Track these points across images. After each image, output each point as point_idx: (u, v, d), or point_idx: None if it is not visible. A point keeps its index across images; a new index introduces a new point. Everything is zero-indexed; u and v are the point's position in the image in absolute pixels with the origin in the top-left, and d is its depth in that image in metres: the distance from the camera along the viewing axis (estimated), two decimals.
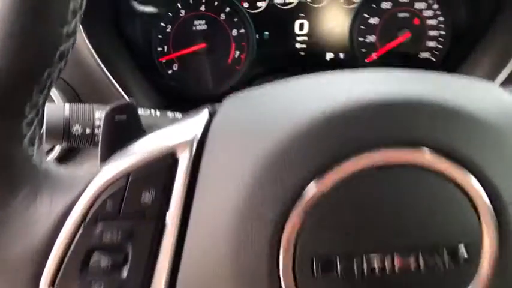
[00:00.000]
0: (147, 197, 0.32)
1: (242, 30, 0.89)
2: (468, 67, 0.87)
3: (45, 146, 0.70)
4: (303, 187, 0.28)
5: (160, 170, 0.32)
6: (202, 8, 0.87)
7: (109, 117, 0.43)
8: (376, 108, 0.29)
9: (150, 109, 0.60)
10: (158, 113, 0.60)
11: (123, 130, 0.45)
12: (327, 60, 0.93)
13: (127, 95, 0.74)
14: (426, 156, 0.29)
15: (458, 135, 0.29)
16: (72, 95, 0.73)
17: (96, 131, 0.54)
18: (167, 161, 0.32)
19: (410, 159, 0.29)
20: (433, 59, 0.92)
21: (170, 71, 0.90)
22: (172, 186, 0.32)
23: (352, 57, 0.93)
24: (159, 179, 0.32)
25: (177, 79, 0.90)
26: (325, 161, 0.29)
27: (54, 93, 0.71)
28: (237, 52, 0.90)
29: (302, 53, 0.92)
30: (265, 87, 0.38)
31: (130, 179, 0.32)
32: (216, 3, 0.87)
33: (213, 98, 0.90)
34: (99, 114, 0.56)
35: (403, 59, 0.92)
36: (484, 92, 0.34)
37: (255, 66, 0.92)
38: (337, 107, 0.30)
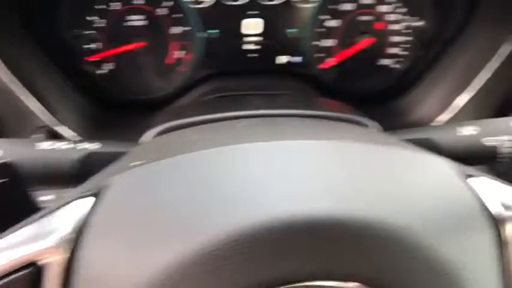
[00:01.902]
0: None
1: (186, 28, 0.80)
2: (430, 80, 0.81)
3: None
4: None
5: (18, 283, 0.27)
6: (140, 1, 0.77)
7: None
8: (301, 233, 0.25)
9: (61, 141, 0.52)
10: (70, 144, 0.52)
11: (3, 195, 0.38)
12: (279, 64, 0.85)
13: (45, 106, 0.65)
14: None
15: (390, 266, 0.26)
16: None
17: None
18: (27, 272, 0.27)
19: None
20: (396, 66, 0.85)
21: (101, 72, 0.80)
22: None
23: (307, 62, 0.85)
24: None
25: (110, 81, 0.81)
26: None
27: None
28: (180, 52, 0.81)
29: (253, 55, 0.84)
30: (167, 163, 0.32)
31: None
32: None
33: (153, 102, 0.83)
34: None
35: (363, 66, 0.85)
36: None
37: (200, 68, 0.83)
38: (252, 224, 0.25)
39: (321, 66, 0.85)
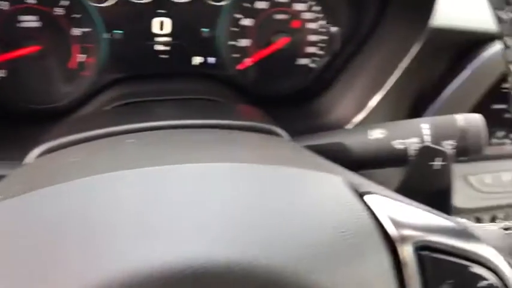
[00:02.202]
0: None
1: (86, 29, 0.73)
2: (345, 81, 0.80)
3: None
4: None
5: None
6: (32, 0, 0.69)
7: None
8: None
9: None
10: None
11: None
12: (194, 66, 0.81)
13: None
14: None
15: None
16: None
17: None
18: None
19: None
20: (313, 65, 0.84)
21: None
22: None
23: (222, 63, 0.81)
24: None
25: (3, 90, 0.72)
26: None
27: None
28: (82, 55, 0.74)
29: (164, 56, 0.79)
30: (25, 200, 0.28)
31: None
32: None
33: (55, 112, 0.76)
34: None
35: (281, 66, 0.83)
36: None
37: (106, 72, 0.77)
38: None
39: (238, 67, 0.81)
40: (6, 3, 0.69)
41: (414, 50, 0.69)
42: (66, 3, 0.71)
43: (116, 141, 0.44)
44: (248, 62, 0.82)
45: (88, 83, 0.76)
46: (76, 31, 0.73)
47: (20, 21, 0.70)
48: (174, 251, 0.23)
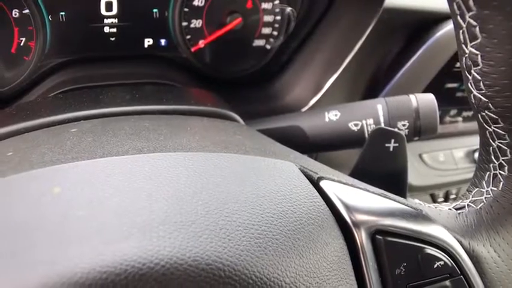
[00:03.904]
0: None
1: (26, 11, 0.68)
2: (301, 62, 0.79)
3: None
4: None
5: None
6: None
7: None
8: None
9: None
10: None
11: None
12: (144, 48, 0.77)
13: None
14: None
15: None
16: None
17: None
18: None
19: None
20: (268, 47, 0.82)
21: None
22: None
23: (174, 44, 0.78)
24: None
25: None
26: None
27: None
28: (22, 39, 0.69)
29: (112, 39, 0.75)
30: None
31: None
32: None
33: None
34: None
35: (235, 47, 0.81)
36: None
37: (50, 56, 0.72)
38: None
39: (191, 49, 0.79)
40: None
41: (369, 30, 0.69)
42: None
43: (58, 131, 0.41)
44: (201, 43, 0.79)
45: (31, 68, 0.71)
46: (15, 12, 0.68)
47: None
48: (111, 249, 0.22)
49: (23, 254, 0.22)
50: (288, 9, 0.80)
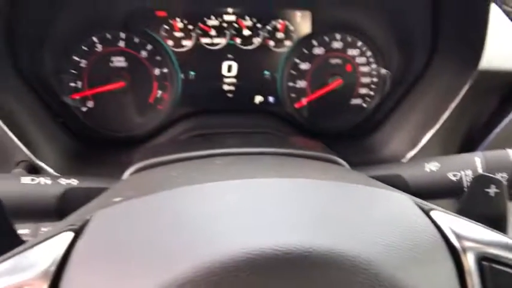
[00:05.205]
0: None
1: (165, 70, 0.83)
2: (397, 119, 0.86)
3: None
4: None
5: None
6: (121, 43, 0.80)
7: None
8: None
9: (40, 176, 0.54)
10: (49, 180, 0.54)
11: None
12: (255, 104, 0.89)
13: (24, 139, 0.66)
14: None
15: None
16: None
17: None
18: None
19: None
20: (365, 105, 0.90)
21: (85, 109, 0.82)
22: None
23: (281, 101, 0.89)
24: None
25: (92, 118, 0.83)
26: None
27: None
28: (159, 91, 0.84)
29: (229, 95, 0.88)
30: (140, 202, 0.34)
31: None
32: (136, 39, 0.80)
33: (133, 139, 0.85)
34: None
35: (334, 105, 0.90)
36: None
37: (179, 107, 0.86)
38: (224, 258, 0.27)
39: (295, 105, 0.89)
40: (100, 46, 0.79)
41: (463, 91, 0.74)
42: (150, 47, 0.81)
43: (206, 162, 0.51)
44: (304, 101, 0.89)
45: (163, 116, 0.85)
46: (156, 71, 0.83)
47: (110, 61, 0.80)
48: (274, 240, 0.29)
49: (218, 235, 0.30)
50: (384, 71, 0.89)
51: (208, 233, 0.30)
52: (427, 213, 0.39)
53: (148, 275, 0.27)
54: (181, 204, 0.35)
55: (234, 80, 0.87)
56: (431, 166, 0.61)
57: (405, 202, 0.39)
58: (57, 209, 0.53)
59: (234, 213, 0.32)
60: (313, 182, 0.40)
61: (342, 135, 0.89)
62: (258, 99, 0.89)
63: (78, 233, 0.32)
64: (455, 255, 0.36)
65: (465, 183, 0.59)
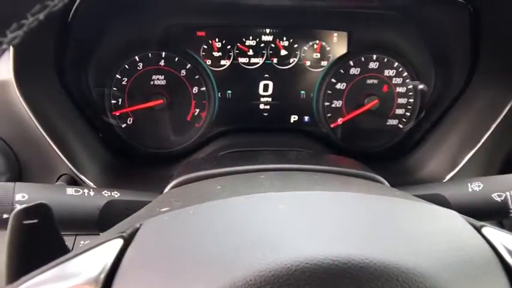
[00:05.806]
0: None
1: (203, 88, 0.85)
2: (437, 137, 0.84)
3: None
4: None
5: None
6: (162, 62, 0.82)
7: (16, 224, 0.38)
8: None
9: (84, 188, 0.55)
10: (92, 192, 0.55)
11: (34, 236, 0.40)
12: (290, 123, 0.89)
13: (67, 153, 0.68)
14: None
15: None
16: (7, 153, 0.67)
17: None
18: None
19: None
20: (401, 126, 0.90)
21: (124, 125, 0.84)
22: None
23: (316, 121, 0.89)
24: None
25: (131, 134, 0.85)
26: None
27: None
28: (197, 110, 0.85)
29: (265, 114, 0.88)
30: (192, 210, 0.34)
31: None
32: (176, 59, 0.83)
33: (170, 156, 0.86)
34: (21, 196, 0.50)
35: (370, 125, 0.89)
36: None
37: (215, 125, 0.87)
38: (275, 267, 0.27)
39: (330, 125, 0.89)
40: (141, 64, 0.82)
41: (506, 110, 0.72)
42: (189, 66, 0.83)
43: (249, 176, 0.52)
44: (340, 121, 0.89)
45: (200, 133, 0.86)
46: (195, 89, 0.84)
47: (150, 79, 0.83)
48: (331, 250, 0.29)
49: (273, 244, 0.30)
50: (421, 86, 0.88)
51: (263, 242, 0.30)
52: (478, 229, 0.39)
53: (202, 281, 0.27)
54: (235, 213, 0.35)
55: (269, 99, 0.88)
56: (474, 186, 0.60)
57: (455, 218, 0.39)
58: (99, 220, 0.54)
59: (289, 222, 0.32)
60: (364, 196, 0.40)
61: (378, 155, 0.89)
62: (293, 118, 0.89)
63: (127, 240, 0.32)
64: (509, 271, 0.35)
65: (510, 204, 0.58)
